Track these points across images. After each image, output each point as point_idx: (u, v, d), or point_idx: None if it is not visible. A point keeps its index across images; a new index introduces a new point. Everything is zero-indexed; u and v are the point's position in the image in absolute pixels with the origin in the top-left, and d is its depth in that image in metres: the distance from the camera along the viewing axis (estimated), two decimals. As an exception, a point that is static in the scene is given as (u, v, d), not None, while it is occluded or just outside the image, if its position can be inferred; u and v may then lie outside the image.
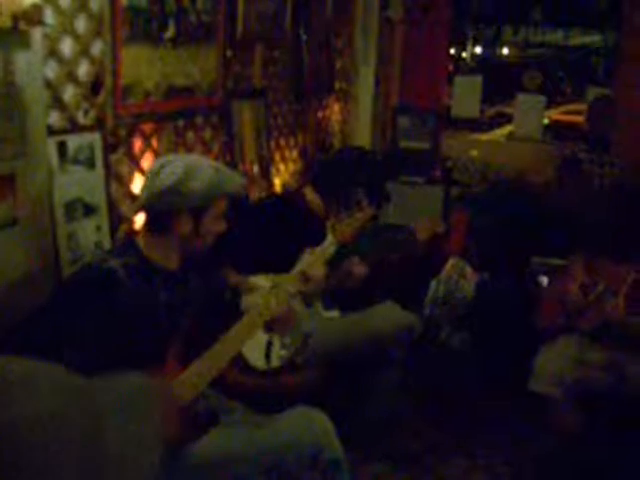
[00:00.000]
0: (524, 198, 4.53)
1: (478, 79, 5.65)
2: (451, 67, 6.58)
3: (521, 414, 3.27)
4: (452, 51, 6.58)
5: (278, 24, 3.85)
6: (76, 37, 2.44)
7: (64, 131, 2.42)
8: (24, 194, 2.25)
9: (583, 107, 5.03)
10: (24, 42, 2.15)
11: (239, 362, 2.60)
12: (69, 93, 2.45)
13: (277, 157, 4.19)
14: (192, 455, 1.94)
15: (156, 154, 2.90)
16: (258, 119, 3.83)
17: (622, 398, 2.81)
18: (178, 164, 2.02)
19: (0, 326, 2.08)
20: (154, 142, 2.94)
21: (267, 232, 2.82)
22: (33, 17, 2.10)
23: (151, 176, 2.04)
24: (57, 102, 2.39)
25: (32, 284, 2.28)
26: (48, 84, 2.33)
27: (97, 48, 2.54)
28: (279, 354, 2.70)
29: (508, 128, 6.28)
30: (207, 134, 3.37)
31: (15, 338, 1.99)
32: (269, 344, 2.68)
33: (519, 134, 5.45)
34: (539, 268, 3.84)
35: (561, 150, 4.52)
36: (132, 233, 2.61)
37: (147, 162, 2.85)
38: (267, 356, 2.69)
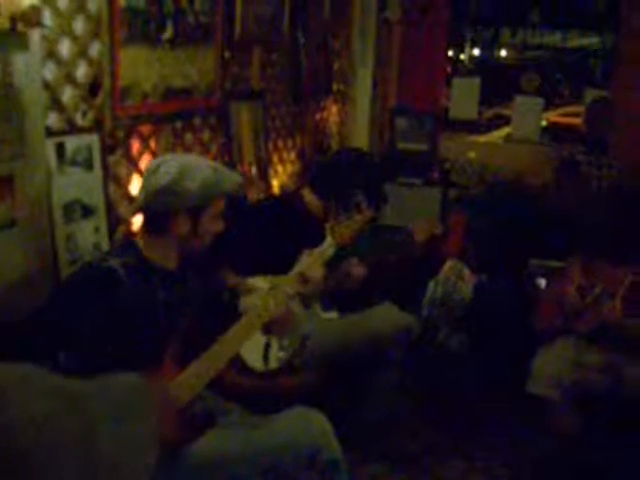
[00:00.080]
0: (522, 200, 4.54)
1: (476, 81, 5.65)
2: (449, 69, 6.58)
3: (519, 416, 3.27)
4: (450, 53, 6.58)
5: (276, 26, 3.85)
6: (74, 38, 2.44)
7: (62, 132, 2.43)
8: (22, 195, 2.25)
9: (581, 109, 5.02)
10: (22, 44, 2.16)
11: (237, 363, 2.61)
12: (67, 94, 2.45)
13: (275, 159, 4.19)
14: (189, 456, 1.93)
15: (154, 155, 2.90)
16: (256, 121, 3.83)
17: (619, 400, 2.82)
18: (173, 164, 2.02)
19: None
20: (152, 143, 2.94)
21: (265, 233, 2.82)
22: (31, 19, 2.10)
23: (147, 176, 2.05)
24: (55, 103, 2.39)
25: (30, 285, 2.29)
26: (46, 85, 2.33)
27: (95, 49, 2.54)
28: (277, 356, 2.71)
29: (506, 130, 6.28)
30: (205, 135, 3.37)
31: (15, 338, 1.99)
32: (267, 345, 2.69)
33: (517, 136, 5.46)
34: (537, 270, 3.84)
35: (559, 152, 4.53)
36: (130, 234, 2.61)
37: (145, 163, 2.84)
38: (265, 357, 2.69)
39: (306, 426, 2.08)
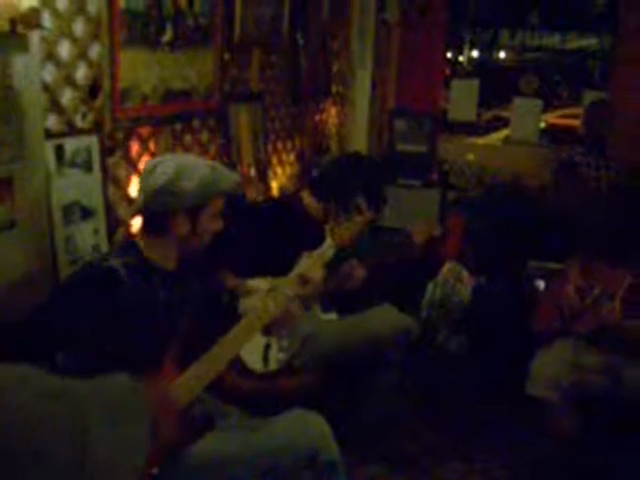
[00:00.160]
0: (520, 202, 4.54)
1: (475, 83, 5.65)
2: (448, 71, 6.59)
3: (518, 418, 3.27)
4: (449, 55, 6.59)
5: (275, 28, 3.85)
6: (74, 40, 2.44)
7: (62, 134, 2.43)
8: (22, 197, 2.25)
9: (579, 111, 5.04)
10: (22, 45, 2.16)
11: (237, 365, 2.61)
12: (67, 96, 2.45)
13: (274, 160, 4.19)
14: (188, 458, 1.93)
15: (153, 157, 2.90)
16: (255, 122, 3.83)
17: (618, 402, 2.82)
18: (169, 164, 2.01)
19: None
20: (151, 145, 2.94)
21: (265, 235, 2.82)
22: (31, 20, 2.10)
23: (144, 176, 2.05)
24: (55, 105, 2.39)
25: (30, 286, 2.29)
26: (46, 87, 2.33)
27: (95, 51, 2.54)
28: (277, 357, 2.71)
29: (505, 132, 6.29)
30: (204, 137, 3.37)
31: (14, 339, 1.99)
32: (267, 347, 2.69)
33: (516, 138, 5.46)
34: (536, 272, 3.84)
35: (557, 154, 4.53)
36: (130, 236, 2.61)
37: (144, 165, 2.85)
38: (265, 359, 2.69)
39: (304, 428, 2.08)
